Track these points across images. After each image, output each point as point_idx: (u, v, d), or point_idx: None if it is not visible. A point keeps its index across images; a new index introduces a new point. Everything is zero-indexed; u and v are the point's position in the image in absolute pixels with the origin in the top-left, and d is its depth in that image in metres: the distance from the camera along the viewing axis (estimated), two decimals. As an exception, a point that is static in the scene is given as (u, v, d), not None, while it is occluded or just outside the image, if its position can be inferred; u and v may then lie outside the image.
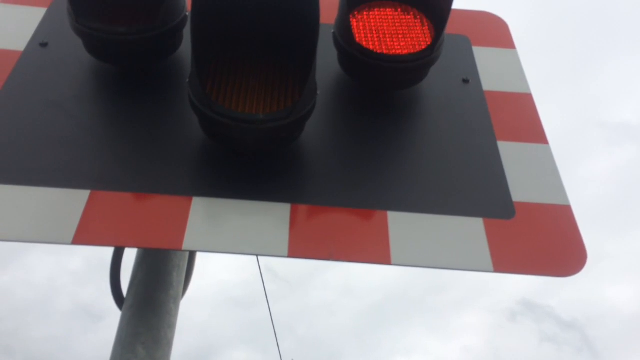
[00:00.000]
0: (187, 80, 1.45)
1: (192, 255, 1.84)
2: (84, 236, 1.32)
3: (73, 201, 1.39)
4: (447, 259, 1.37)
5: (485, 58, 1.96)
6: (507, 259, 1.38)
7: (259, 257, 1.36)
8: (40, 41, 1.80)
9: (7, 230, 1.33)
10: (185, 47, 1.81)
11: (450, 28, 1.90)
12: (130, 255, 1.72)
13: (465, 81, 1.86)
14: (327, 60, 1.83)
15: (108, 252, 1.74)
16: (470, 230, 1.44)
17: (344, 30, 1.65)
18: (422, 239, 1.41)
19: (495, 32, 2.07)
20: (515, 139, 1.69)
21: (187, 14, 1.69)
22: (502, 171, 1.59)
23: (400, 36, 1.70)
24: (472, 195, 1.52)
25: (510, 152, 1.64)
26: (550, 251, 1.42)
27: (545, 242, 1.44)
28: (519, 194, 1.54)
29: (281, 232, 1.38)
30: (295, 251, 1.35)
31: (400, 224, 1.43)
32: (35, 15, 1.90)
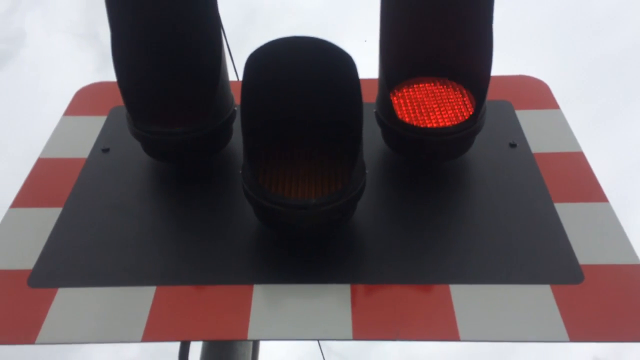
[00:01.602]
0: (240, 171, 1.51)
1: (256, 343, 1.84)
2: (152, 333, 1.35)
3: (140, 298, 1.43)
4: (518, 331, 1.32)
5: (530, 120, 1.95)
6: (581, 327, 1.32)
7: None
8: (102, 147, 1.93)
9: (78, 333, 1.37)
10: (236, 139, 1.90)
11: (490, 94, 1.92)
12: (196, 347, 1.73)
13: (513, 145, 1.85)
14: (371, 137, 1.87)
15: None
16: (539, 298, 1.39)
17: (385, 109, 1.69)
18: (489, 311, 1.36)
19: (536, 94, 2.08)
20: (573, 199, 1.65)
21: (236, 108, 1.79)
22: (564, 234, 1.54)
23: (442, 109, 1.74)
24: (535, 261, 1.47)
25: (569, 214, 1.60)
26: (625, 315, 1.34)
27: (619, 305, 1.37)
28: (585, 256, 1.48)
29: (344, 314, 1.37)
30: (361, 333, 1.33)
31: (464, 297, 1.40)
32: (96, 124, 2.04)
